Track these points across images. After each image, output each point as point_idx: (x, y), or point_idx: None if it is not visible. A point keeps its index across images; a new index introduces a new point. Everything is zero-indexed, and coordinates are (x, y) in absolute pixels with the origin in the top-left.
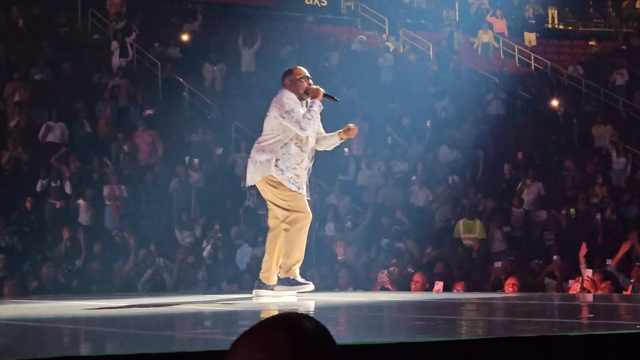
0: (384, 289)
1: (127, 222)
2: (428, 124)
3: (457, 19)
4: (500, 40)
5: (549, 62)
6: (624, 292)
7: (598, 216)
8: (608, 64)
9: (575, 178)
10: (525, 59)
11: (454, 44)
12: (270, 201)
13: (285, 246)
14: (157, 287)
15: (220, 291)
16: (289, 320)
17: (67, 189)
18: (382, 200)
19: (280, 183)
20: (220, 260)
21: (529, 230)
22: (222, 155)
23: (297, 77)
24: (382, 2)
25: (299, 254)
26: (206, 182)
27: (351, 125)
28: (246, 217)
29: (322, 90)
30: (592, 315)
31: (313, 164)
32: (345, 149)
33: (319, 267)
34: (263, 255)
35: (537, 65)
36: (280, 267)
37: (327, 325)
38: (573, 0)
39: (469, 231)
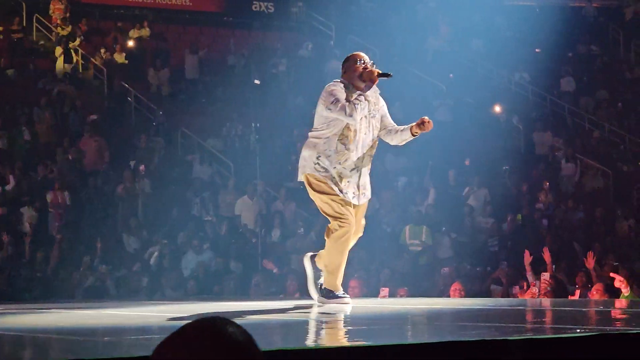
0: None
1: (70, 229)
2: None
3: (405, 25)
4: (447, 46)
5: (495, 69)
6: (570, 297)
7: (545, 222)
8: (554, 70)
9: (521, 184)
10: (472, 65)
11: (401, 50)
12: (314, 202)
13: (324, 256)
14: (99, 295)
15: (164, 298)
16: (213, 325)
17: (10, 195)
18: None
19: (319, 183)
20: (165, 267)
21: (475, 236)
22: (168, 161)
23: (352, 62)
24: (330, 9)
25: (336, 266)
26: (152, 188)
27: (425, 118)
28: (192, 224)
29: (376, 71)
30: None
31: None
32: (293, 155)
33: (265, 273)
34: (209, 262)
35: (484, 72)
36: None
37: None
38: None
39: (415, 237)
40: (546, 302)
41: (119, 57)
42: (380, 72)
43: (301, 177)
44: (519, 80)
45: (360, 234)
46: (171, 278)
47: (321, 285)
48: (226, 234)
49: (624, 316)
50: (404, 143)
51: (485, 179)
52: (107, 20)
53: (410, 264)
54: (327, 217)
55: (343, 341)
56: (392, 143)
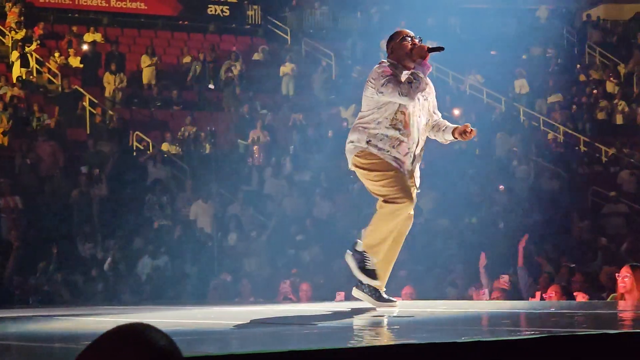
0: (286, 299)
1: (25, 235)
2: (330, 134)
3: (360, 28)
4: None
5: (450, 72)
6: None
7: (501, 225)
8: (509, 72)
9: (477, 186)
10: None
11: (356, 53)
12: (368, 189)
13: (367, 234)
14: (54, 301)
15: (120, 303)
16: (135, 332)
17: None
18: (286, 210)
19: (371, 160)
20: (120, 272)
21: (430, 239)
22: (123, 165)
23: (399, 39)
24: (285, 12)
25: (378, 240)
26: (107, 193)
27: (469, 128)
28: (147, 228)
29: (426, 46)
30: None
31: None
32: (250, 159)
33: (221, 277)
34: (164, 266)
35: (438, 74)
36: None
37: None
38: (473, 9)
39: None
40: (499, 304)
41: (74, 61)
42: (431, 46)
43: (351, 164)
44: (473, 83)
45: (409, 227)
46: (127, 283)
47: (365, 265)
48: (182, 238)
49: (575, 318)
50: (447, 142)
51: (441, 181)
52: (62, 24)
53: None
54: (382, 199)
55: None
56: (432, 137)
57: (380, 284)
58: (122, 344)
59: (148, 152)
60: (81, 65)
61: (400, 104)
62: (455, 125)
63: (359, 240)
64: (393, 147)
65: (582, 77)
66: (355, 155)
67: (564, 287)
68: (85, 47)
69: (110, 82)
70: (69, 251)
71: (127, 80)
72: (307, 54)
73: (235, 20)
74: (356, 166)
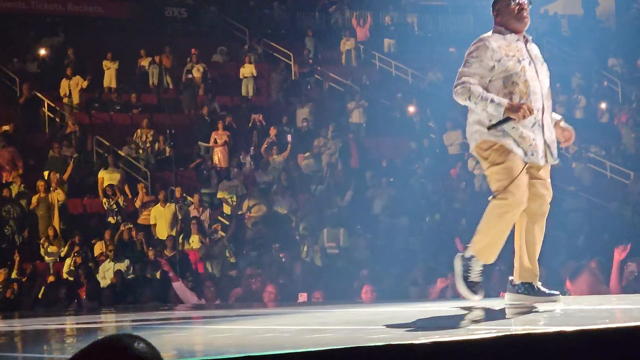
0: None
1: None
2: (289, 137)
3: (319, 28)
4: (361, 48)
5: (409, 69)
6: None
7: (463, 221)
8: None
9: (436, 184)
10: (386, 67)
11: (315, 53)
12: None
13: (477, 239)
14: (16, 307)
15: (80, 307)
16: (121, 342)
17: None
18: (246, 211)
19: (493, 147)
20: (81, 277)
21: (392, 237)
22: (83, 170)
23: (505, 3)
24: (243, 13)
25: (487, 243)
26: (68, 197)
27: (569, 133)
28: (108, 232)
29: (528, 110)
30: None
31: None
32: (209, 162)
33: (183, 281)
34: (125, 270)
35: (398, 73)
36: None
37: None
38: (432, 7)
39: (332, 240)
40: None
41: (32, 66)
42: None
43: (473, 149)
44: (433, 80)
45: (546, 208)
46: (87, 288)
47: (511, 281)
48: (143, 241)
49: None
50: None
51: (402, 179)
52: (19, 29)
53: (328, 267)
54: (495, 192)
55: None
56: None
57: (478, 298)
58: (108, 353)
59: (107, 156)
60: (39, 70)
61: (511, 73)
62: (560, 124)
63: (469, 245)
64: (518, 121)
65: None
66: (477, 145)
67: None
68: (42, 51)
69: (69, 87)
70: (31, 257)
71: (86, 85)
72: (266, 54)
73: (193, 22)
74: (478, 153)
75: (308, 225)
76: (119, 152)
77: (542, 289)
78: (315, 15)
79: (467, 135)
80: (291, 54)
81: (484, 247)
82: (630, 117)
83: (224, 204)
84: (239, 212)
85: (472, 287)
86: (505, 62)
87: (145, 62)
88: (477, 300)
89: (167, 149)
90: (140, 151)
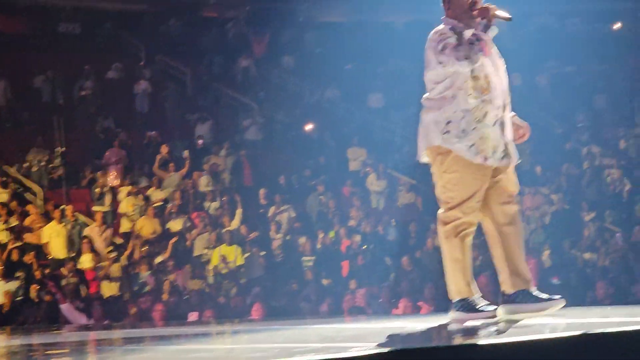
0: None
1: None
2: (186, 153)
3: (216, 45)
4: (259, 64)
5: (307, 86)
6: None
7: (357, 237)
8: (365, 86)
9: (333, 201)
10: (284, 83)
11: (212, 69)
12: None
13: (444, 263)
14: None
15: None
16: None
17: None
18: (143, 229)
19: (449, 155)
20: None
21: (286, 255)
22: None
23: None
24: (139, 29)
25: (461, 278)
26: None
27: (524, 130)
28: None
29: (493, 7)
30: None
31: None
32: (103, 178)
33: (73, 303)
34: (16, 290)
35: (295, 89)
36: None
37: None
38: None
39: (225, 258)
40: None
41: None
42: (498, 13)
43: (424, 156)
44: (330, 97)
45: (515, 207)
46: None
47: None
48: (33, 261)
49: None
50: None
51: (297, 196)
52: None
53: (220, 286)
54: (443, 204)
55: None
56: None
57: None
58: None
59: None
60: None
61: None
62: (513, 117)
63: (450, 293)
64: (478, 120)
65: None
66: (432, 147)
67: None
68: None
69: None
70: None
71: None
72: (162, 71)
73: (87, 37)
74: (434, 157)
75: (202, 243)
76: (9, 169)
77: (541, 295)
78: (213, 32)
79: (420, 135)
80: (187, 71)
81: (463, 285)
82: None
83: (119, 223)
84: (133, 231)
85: (487, 307)
86: None
87: (38, 79)
88: (499, 312)
89: (61, 167)
90: (33, 169)
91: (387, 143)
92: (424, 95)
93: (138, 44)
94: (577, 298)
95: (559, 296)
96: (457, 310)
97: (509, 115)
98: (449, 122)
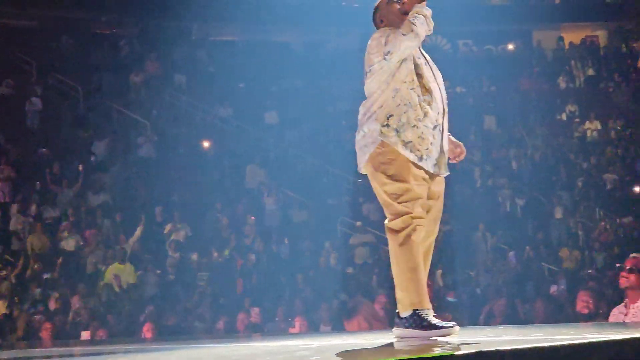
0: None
1: None
2: (80, 168)
3: (108, 62)
4: (151, 82)
5: (199, 104)
6: None
7: (252, 256)
8: (259, 104)
9: (227, 219)
10: (176, 101)
11: (104, 86)
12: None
13: (393, 269)
14: None
15: None
16: None
17: None
18: (32, 247)
19: (389, 152)
20: None
21: (181, 273)
22: None
23: (386, 2)
24: (30, 46)
25: (409, 278)
26: None
27: (461, 150)
28: None
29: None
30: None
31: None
32: None
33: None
34: None
35: (188, 107)
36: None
37: None
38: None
39: (119, 276)
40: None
41: None
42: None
43: (363, 167)
44: (223, 115)
45: (434, 235)
46: None
47: (398, 314)
48: None
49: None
50: None
51: (192, 214)
52: None
53: (113, 304)
54: (390, 213)
55: None
56: None
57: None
58: None
59: None
60: None
61: (418, 63)
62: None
63: (399, 306)
64: (419, 119)
65: (330, 109)
66: (370, 155)
67: None
68: None
69: None
70: None
71: None
72: (54, 87)
73: None
74: (373, 166)
75: (96, 261)
76: None
77: (436, 321)
78: (105, 49)
79: (359, 145)
80: (79, 87)
81: (418, 296)
82: None
83: (11, 241)
84: (25, 249)
85: (438, 325)
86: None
87: None
88: (456, 329)
89: None
90: None
91: (281, 161)
92: (365, 105)
93: (30, 60)
94: (471, 318)
95: (454, 323)
96: (407, 327)
97: (447, 125)
98: (390, 116)
